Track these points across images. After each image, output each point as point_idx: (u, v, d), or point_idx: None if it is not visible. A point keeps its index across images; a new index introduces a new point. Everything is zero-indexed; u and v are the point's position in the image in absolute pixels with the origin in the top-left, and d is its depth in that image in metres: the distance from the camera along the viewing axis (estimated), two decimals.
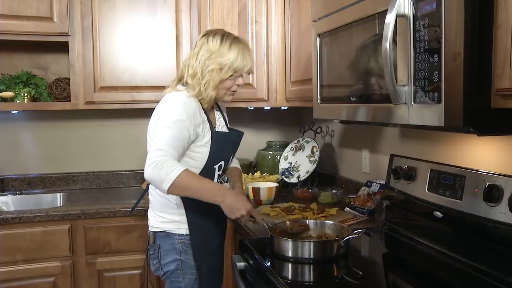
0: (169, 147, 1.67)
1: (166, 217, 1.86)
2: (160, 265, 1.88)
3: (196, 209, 1.83)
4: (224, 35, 1.83)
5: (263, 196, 2.34)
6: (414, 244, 1.59)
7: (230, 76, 1.81)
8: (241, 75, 1.86)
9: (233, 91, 1.89)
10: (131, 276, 2.49)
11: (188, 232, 1.84)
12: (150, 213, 1.94)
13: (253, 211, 1.76)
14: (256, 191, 2.34)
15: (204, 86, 1.79)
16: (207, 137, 1.82)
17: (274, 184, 2.45)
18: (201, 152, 1.82)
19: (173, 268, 1.86)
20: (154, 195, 1.90)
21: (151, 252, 1.92)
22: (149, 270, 2.06)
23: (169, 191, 1.65)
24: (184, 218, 1.84)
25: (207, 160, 1.84)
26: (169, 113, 1.75)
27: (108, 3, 2.66)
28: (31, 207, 2.69)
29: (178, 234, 1.84)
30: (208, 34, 1.85)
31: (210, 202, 1.70)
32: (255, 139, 3.24)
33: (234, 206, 1.70)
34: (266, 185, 2.42)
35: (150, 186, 1.92)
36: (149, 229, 1.93)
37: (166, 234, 1.86)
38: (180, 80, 1.88)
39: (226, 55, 1.79)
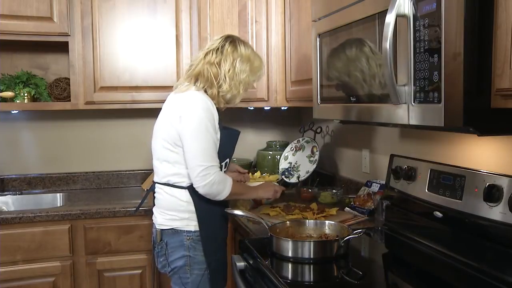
0: (213, 160, 1.84)
1: (175, 214, 1.89)
2: (167, 262, 1.92)
3: (205, 206, 1.88)
4: (248, 44, 2.01)
5: None
6: (414, 244, 1.59)
7: (252, 82, 2.03)
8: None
9: None
10: (131, 276, 2.48)
11: (196, 229, 1.88)
12: (156, 211, 1.97)
13: (276, 186, 2.17)
14: None
15: (241, 89, 1.96)
16: (218, 135, 1.89)
17: None
18: None
19: (181, 264, 1.89)
20: (162, 193, 1.93)
21: (158, 250, 1.95)
22: (155, 268, 2.07)
23: (224, 199, 1.89)
24: (193, 216, 1.88)
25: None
26: (199, 121, 1.82)
27: (108, 3, 2.66)
28: (31, 207, 2.69)
29: (186, 231, 1.88)
30: (234, 41, 1.96)
31: (248, 198, 2.18)
32: (255, 139, 3.24)
33: (265, 192, 2.11)
34: None
35: (156, 185, 1.96)
36: (156, 227, 1.95)
37: (174, 231, 1.89)
38: (198, 78, 1.92)
39: (255, 63, 1.99)
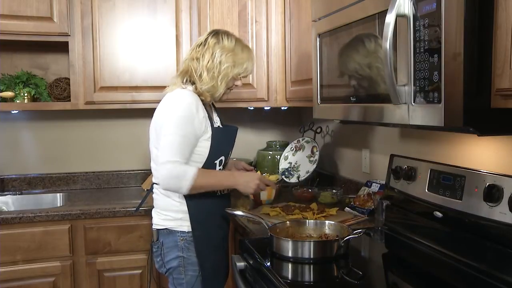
0: (176, 156, 1.77)
1: (169, 214, 1.90)
2: (163, 262, 1.92)
3: (199, 206, 1.87)
4: (234, 36, 1.94)
5: (263, 196, 2.34)
6: (414, 244, 1.59)
7: (237, 75, 1.93)
8: (241, 77, 1.97)
9: (230, 90, 1.99)
10: (131, 276, 2.48)
11: (189, 230, 1.88)
12: (154, 211, 1.98)
13: (263, 178, 1.95)
14: None
15: (220, 81, 1.88)
16: (209, 133, 1.87)
17: None
18: (204, 147, 1.87)
19: (175, 265, 1.89)
20: (158, 193, 1.94)
21: (154, 250, 1.96)
22: (152, 268, 2.07)
23: (189, 193, 1.80)
24: (186, 216, 1.87)
25: (208, 155, 1.88)
26: (171, 117, 1.80)
27: (108, 3, 2.66)
28: (31, 207, 2.69)
29: (180, 231, 1.88)
30: (217, 33, 1.92)
31: (226, 188, 1.94)
32: (255, 139, 3.23)
33: (247, 182, 1.89)
34: None
35: (154, 185, 1.96)
36: (153, 227, 1.96)
37: (168, 232, 1.90)
38: (183, 76, 1.92)
39: (240, 55, 1.91)
